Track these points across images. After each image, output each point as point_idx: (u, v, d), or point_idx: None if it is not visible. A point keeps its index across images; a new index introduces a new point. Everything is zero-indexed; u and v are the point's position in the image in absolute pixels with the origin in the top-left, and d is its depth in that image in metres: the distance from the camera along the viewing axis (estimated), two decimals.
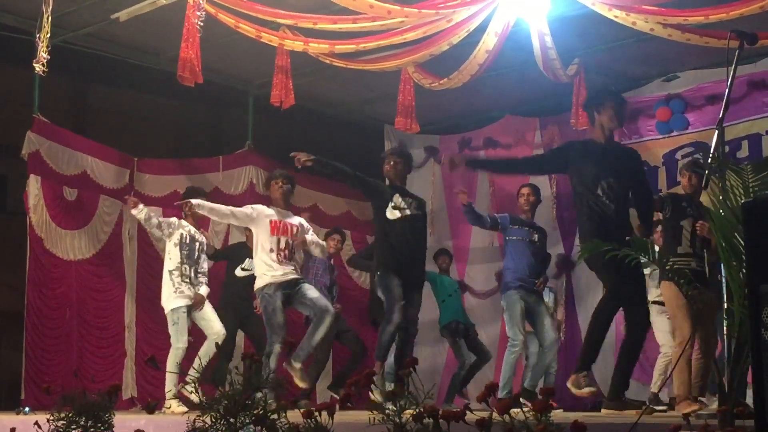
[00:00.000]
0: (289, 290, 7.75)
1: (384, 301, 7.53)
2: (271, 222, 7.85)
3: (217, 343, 8.11)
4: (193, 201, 7.84)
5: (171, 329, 8.24)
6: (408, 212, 7.57)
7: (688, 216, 7.12)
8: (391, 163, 7.73)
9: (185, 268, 8.31)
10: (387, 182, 7.95)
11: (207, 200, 8.19)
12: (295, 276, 7.83)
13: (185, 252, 8.34)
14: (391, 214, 7.57)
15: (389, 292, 7.45)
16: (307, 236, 8.01)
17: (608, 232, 6.29)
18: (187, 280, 8.29)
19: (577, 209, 6.90)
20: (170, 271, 8.30)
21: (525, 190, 8.84)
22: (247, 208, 7.96)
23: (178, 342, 8.15)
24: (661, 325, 8.57)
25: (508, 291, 8.59)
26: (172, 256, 8.33)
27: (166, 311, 8.29)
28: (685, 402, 6.74)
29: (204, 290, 8.40)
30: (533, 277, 8.61)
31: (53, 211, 9.82)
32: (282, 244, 7.85)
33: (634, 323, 6.65)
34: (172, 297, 8.24)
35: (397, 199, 7.59)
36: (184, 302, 8.22)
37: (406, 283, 7.50)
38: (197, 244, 8.45)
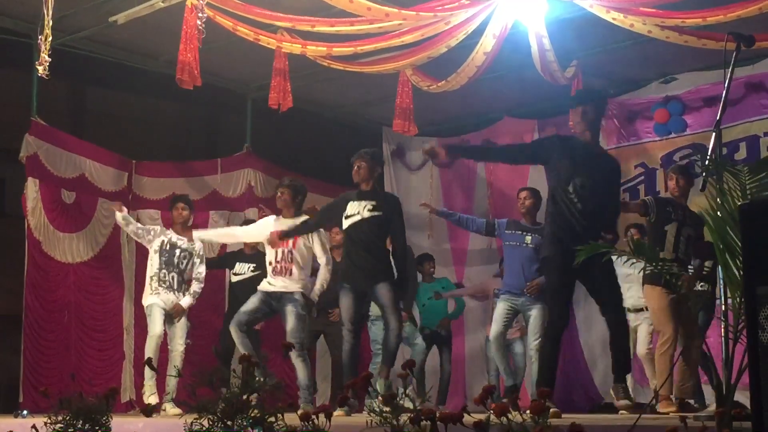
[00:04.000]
0: (273, 301, 7.95)
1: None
2: (272, 234, 8.00)
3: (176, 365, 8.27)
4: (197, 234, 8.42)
5: (148, 320, 8.58)
6: (357, 217, 7.49)
7: (672, 221, 7.14)
8: (354, 168, 7.62)
9: (163, 274, 8.55)
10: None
11: (192, 205, 8.89)
12: (278, 289, 7.94)
13: (164, 258, 8.58)
14: (344, 223, 7.59)
15: (341, 311, 7.62)
16: (310, 244, 8.07)
17: (573, 233, 6.28)
18: (165, 285, 8.52)
19: (548, 206, 6.72)
20: (150, 277, 8.58)
21: (522, 194, 8.87)
22: (254, 227, 8.25)
23: (151, 330, 8.43)
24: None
25: (497, 297, 8.77)
26: (152, 263, 8.61)
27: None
28: (665, 401, 6.77)
29: (185, 302, 8.55)
30: (526, 281, 8.64)
31: (51, 213, 9.81)
32: (279, 256, 7.98)
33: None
34: (148, 295, 8.56)
35: (349, 207, 7.55)
36: (156, 300, 8.47)
37: (360, 289, 7.50)
38: (178, 251, 8.62)
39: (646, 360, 8.96)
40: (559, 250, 6.41)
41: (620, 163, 7.01)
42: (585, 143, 6.60)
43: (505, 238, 8.77)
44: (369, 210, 7.47)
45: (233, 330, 7.90)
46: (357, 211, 7.50)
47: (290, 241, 7.98)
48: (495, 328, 8.76)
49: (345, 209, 7.56)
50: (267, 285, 8.03)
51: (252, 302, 8.02)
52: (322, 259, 8.05)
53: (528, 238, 8.67)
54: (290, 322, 7.85)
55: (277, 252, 8.00)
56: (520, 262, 8.63)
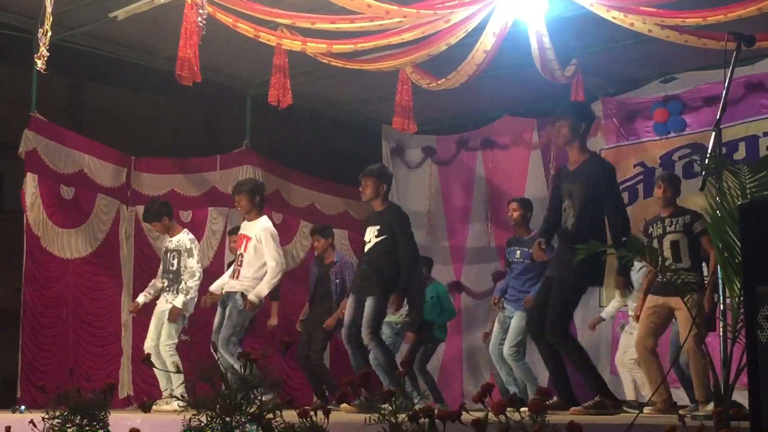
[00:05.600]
0: (226, 303, 8.14)
1: None
2: (238, 237, 8.40)
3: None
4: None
5: None
6: (370, 244, 7.54)
7: (653, 238, 7.13)
8: (360, 188, 7.66)
9: (162, 282, 8.69)
10: None
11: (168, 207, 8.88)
12: (227, 290, 8.18)
13: (162, 266, 8.77)
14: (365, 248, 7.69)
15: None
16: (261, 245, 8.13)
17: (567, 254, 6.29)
18: (164, 290, 8.65)
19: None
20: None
21: (510, 206, 9.00)
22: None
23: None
24: None
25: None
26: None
27: None
28: (657, 407, 6.81)
29: (178, 301, 8.49)
30: (514, 294, 8.84)
31: (50, 209, 9.81)
32: (236, 258, 8.32)
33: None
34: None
35: (366, 233, 7.62)
36: (156, 309, 8.68)
37: (360, 299, 7.56)
38: (168, 253, 8.70)
39: (622, 369, 9.05)
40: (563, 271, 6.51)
41: (610, 166, 6.90)
42: (569, 164, 6.65)
43: (509, 257, 9.05)
44: (376, 235, 7.53)
45: (213, 350, 8.10)
46: (369, 237, 7.58)
47: (243, 245, 8.17)
48: (492, 340, 9.13)
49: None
50: (222, 289, 8.31)
51: (217, 319, 8.22)
52: (270, 263, 8.06)
53: (518, 253, 8.77)
54: (225, 318, 8.05)
55: (236, 255, 8.30)
56: (514, 275, 8.89)
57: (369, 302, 7.44)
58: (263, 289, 8.04)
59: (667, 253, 6.96)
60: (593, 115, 7.05)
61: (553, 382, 6.65)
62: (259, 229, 8.13)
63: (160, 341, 8.48)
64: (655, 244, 7.05)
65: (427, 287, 9.95)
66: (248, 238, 8.14)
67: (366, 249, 7.60)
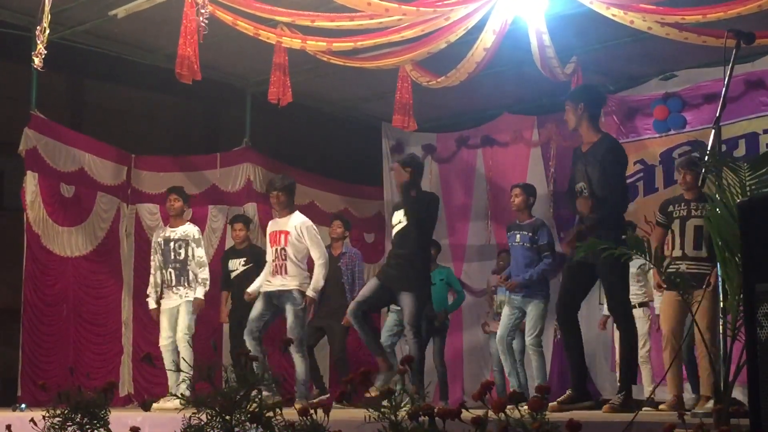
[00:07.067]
0: (275, 299, 8.11)
1: None
2: (269, 235, 8.28)
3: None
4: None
5: None
6: (400, 226, 7.61)
7: (674, 219, 7.12)
8: (393, 172, 7.82)
9: (164, 273, 8.57)
10: None
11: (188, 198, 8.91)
12: (277, 288, 8.09)
13: (160, 258, 8.61)
14: (392, 232, 7.82)
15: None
16: (303, 240, 8.17)
17: (581, 235, 6.34)
18: (167, 285, 8.56)
19: None
20: (157, 282, 8.68)
21: (513, 192, 8.97)
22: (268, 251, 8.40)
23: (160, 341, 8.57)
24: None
25: (496, 294, 9.22)
26: (155, 266, 8.70)
27: None
28: (668, 403, 6.82)
29: (200, 292, 8.51)
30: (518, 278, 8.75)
31: (50, 207, 9.82)
32: (275, 255, 8.17)
33: None
34: (154, 301, 8.68)
35: (394, 217, 7.73)
36: (153, 306, 8.63)
37: (386, 284, 7.58)
38: (172, 243, 8.60)
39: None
40: (570, 255, 6.58)
41: (618, 145, 6.78)
42: (582, 145, 6.59)
43: (508, 241, 8.97)
44: (399, 221, 7.63)
45: (246, 339, 8.06)
46: (399, 219, 7.64)
47: (282, 239, 8.13)
48: (499, 331, 8.90)
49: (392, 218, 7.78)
50: (266, 285, 8.20)
51: (257, 308, 8.17)
52: (316, 256, 8.16)
53: (518, 237, 8.74)
54: (289, 320, 8.04)
55: (273, 251, 8.17)
56: (515, 261, 8.78)
57: (408, 299, 7.44)
58: (319, 282, 8.16)
59: (690, 236, 6.97)
60: (591, 95, 6.87)
61: (572, 372, 6.61)
62: (300, 223, 8.20)
63: (178, 333, 8.43)
64: (676, 225, 7.06)
65: (433, 271, 10.01)
66: (287, 233, 8.14)
67: (396, 231, 7.66)
